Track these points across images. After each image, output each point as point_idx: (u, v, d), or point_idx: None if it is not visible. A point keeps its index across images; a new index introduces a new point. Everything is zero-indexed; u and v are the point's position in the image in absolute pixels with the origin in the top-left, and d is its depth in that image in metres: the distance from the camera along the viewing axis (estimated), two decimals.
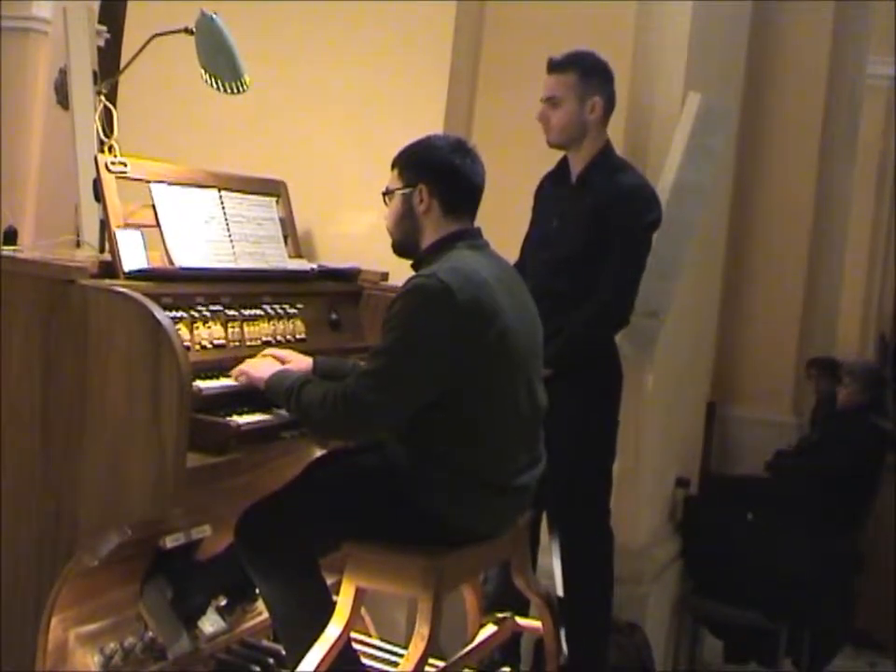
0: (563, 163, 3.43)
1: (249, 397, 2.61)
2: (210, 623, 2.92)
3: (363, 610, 2.99)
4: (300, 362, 2.76)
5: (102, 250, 2.87)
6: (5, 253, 2.51)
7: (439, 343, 2.46)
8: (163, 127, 3.75)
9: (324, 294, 3.18)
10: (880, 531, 5.59)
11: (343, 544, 2.56)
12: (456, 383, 2.49)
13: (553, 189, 3.45)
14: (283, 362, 2.73)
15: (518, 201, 3.51)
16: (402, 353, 2.46)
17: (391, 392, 2.45)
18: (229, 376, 2.65)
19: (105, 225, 2.75)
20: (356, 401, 2.43)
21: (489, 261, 2.64)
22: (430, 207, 2.64)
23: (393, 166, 2.72)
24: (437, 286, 2.45)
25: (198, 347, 2.64)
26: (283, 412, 2.60)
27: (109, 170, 2.70)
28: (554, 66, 3.31)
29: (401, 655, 2.80)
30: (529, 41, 3.81)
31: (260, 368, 2.64)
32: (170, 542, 2.76)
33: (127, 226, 2.67)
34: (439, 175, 2.64)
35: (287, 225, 3.28)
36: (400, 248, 2.73)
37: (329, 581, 2.66)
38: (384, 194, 2.73)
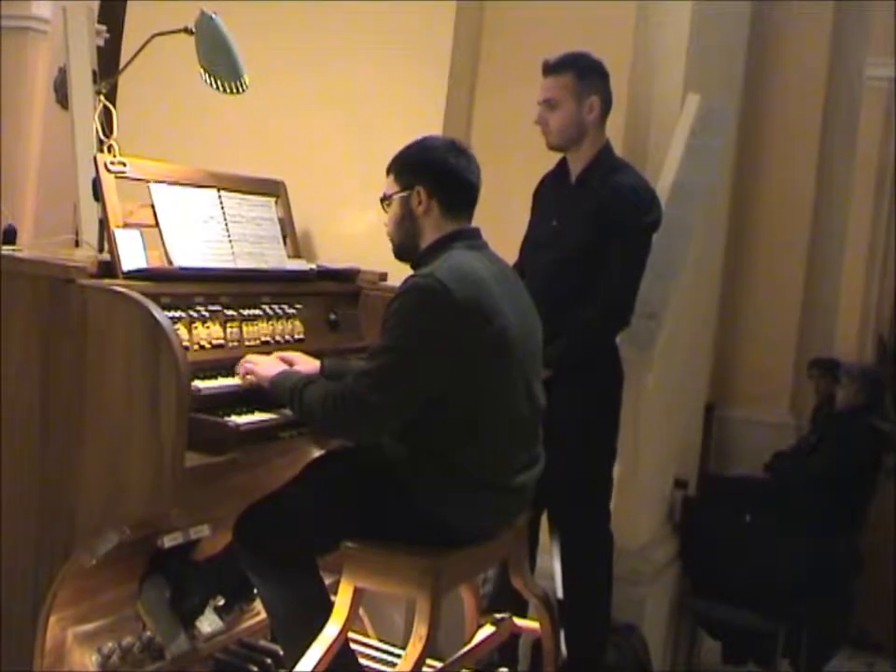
0: (562, 164, 3.42)
1: (248, 396, 2.62)
2: (208, 623, 2.92)
3: (361, 610, 2.99)
4: (307, 364, 2.76)
5: (101, 250, 2.86)
6: (4, 252, 2.50)
7: (436, 342, 2.46)
8: (163, 127, 3.75)
9: (323, 294, 3.18)
10: (879, 532, 5.59)
11: (342, 544, 2.56)
12: (454, 382, 2.48)
13: (552, 189, 3.44)
14: (290, 364, 2.73)
15: (517, 201, 3.51)
16: (401, 352, 2.46)
17: (390, 391, 2.45)
18: (227, 376, 2.65)
19: (104, 224, 2.74)
20: (355, 401, 2.43)
21: (487, 261, 2.64)
22: (429, 208, 2.64)
23: (388, 171, 2.71)
24: (434, 285, 2.45)
25: (196, 347, 2.64)
26: (282, 411, 2.61)
27: (108, 169, 2.70)
28: (550, 68, 3.30)
29: (399, 655, 2.80)
30: (528, 42, 3.81)
31: (266, 367, 2.64)
32: (168, 542, 2.76)
33: (126, 225, 2.67)
34: (435, 176, 2.63)
35: (286, 225, 3.28)
36: (402, 252, 2.72)
37: (328, 580, 2.66)
38: (382, 200, 2.72)
